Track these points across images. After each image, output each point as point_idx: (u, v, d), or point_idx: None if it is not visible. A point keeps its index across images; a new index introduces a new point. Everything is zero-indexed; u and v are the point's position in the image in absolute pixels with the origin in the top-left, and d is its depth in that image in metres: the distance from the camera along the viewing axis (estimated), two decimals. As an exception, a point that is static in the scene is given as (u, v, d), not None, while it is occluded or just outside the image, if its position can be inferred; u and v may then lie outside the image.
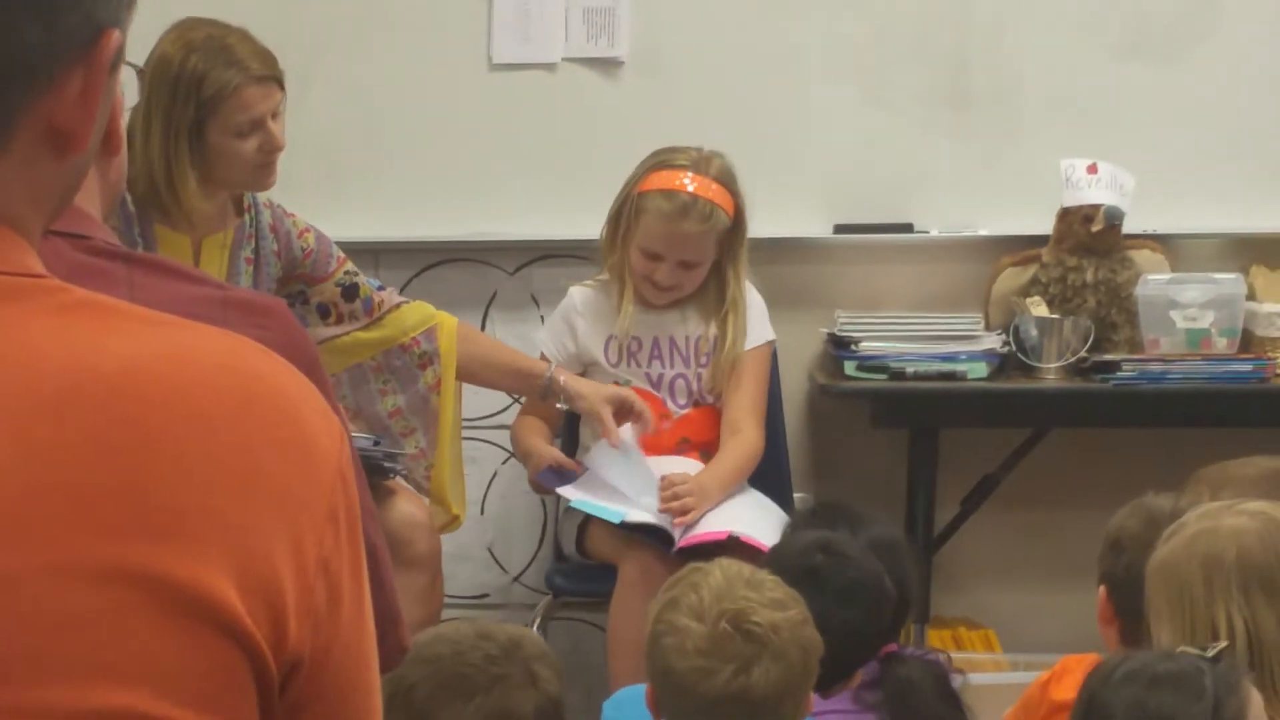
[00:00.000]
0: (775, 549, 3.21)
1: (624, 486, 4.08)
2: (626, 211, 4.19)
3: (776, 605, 2.53)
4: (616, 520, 4.00)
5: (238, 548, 1.08)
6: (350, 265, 4.05)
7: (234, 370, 1.13)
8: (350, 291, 4.03)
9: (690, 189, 4.13)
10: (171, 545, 1.06)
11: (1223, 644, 2.40)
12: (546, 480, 4.21)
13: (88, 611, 1.04)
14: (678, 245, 4.17)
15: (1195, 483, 3.21)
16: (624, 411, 4.13)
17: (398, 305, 4.09)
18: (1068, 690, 2.93)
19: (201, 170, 3.76)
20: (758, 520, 4.03)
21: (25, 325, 1.09)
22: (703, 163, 4.17)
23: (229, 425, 1.10)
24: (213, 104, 3.72)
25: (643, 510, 4.02)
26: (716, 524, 3.99)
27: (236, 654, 1.07)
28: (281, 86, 3.83)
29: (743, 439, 4.23)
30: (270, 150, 3.81)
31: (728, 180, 4.19)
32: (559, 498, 4.25)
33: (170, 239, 3.81)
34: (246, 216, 3.94)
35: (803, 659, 2.51)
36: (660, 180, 4.15)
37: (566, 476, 4.18)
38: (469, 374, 4.14)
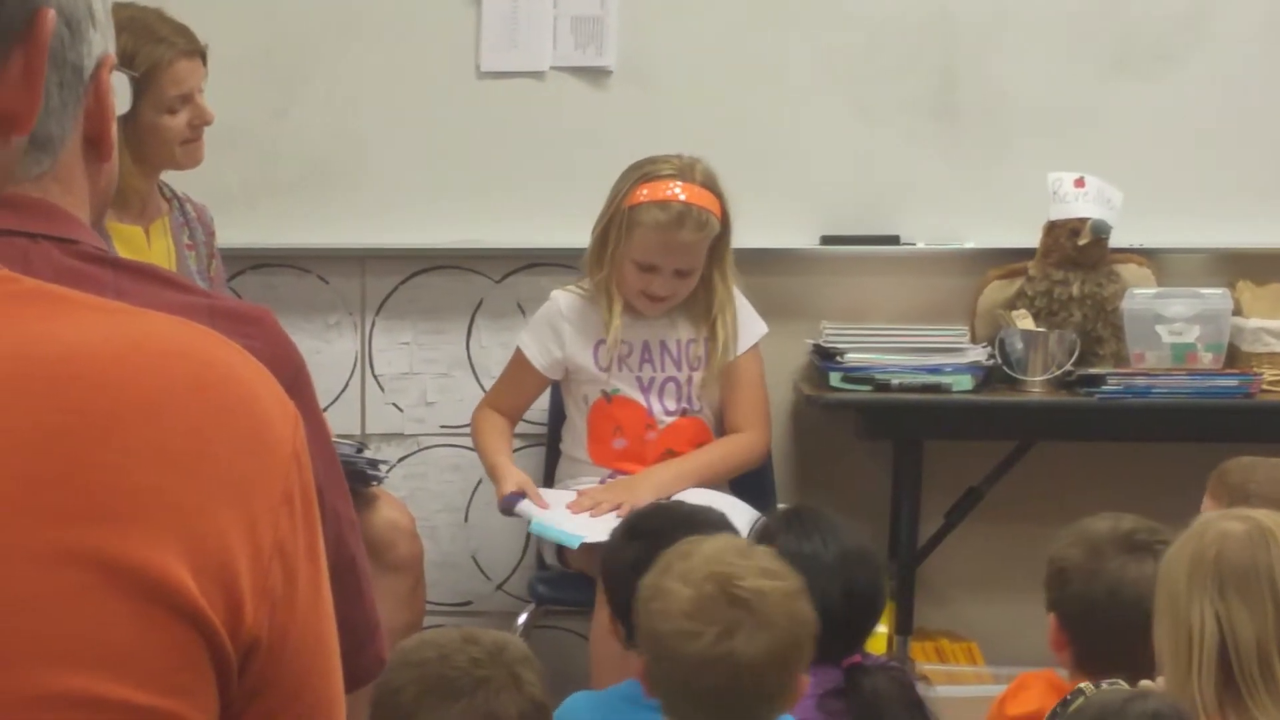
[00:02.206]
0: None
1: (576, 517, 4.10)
2: (616, 227, 4.17)
3: (767, 574, 2.52)
4: (574, 544, 3.99)
5: (190, 530, 1.07)
6: None
7: (184, 355, 1.13)
8: None
9: (682, 197, 4.13)
10: (122, 528, 1.05)
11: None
12: (510, 502, 4.19)
13: (40, 595, 1.04)
14: (674, 255, 4.16)
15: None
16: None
17: None
18: (1024, 705, 2.94)
19: (135, 151, 3.76)
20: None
21: None
22: (686, 170, 4.17)
23: (178, 409, 1.10)
24: (145, 80, 3.73)
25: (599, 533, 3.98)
26: None
27: (192, 636, 1.07)
28: (205, 61, 3.85)
29: (733, 439, 4.27)
30: (200, 124, 3.84)
31: (712, 184, 4.19)
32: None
33: (123, 233, 3.81)
34: (173, 204, 3.96)
35: (791, 629, 2.50)
36: (651, 192, 4.14)
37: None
38: None
